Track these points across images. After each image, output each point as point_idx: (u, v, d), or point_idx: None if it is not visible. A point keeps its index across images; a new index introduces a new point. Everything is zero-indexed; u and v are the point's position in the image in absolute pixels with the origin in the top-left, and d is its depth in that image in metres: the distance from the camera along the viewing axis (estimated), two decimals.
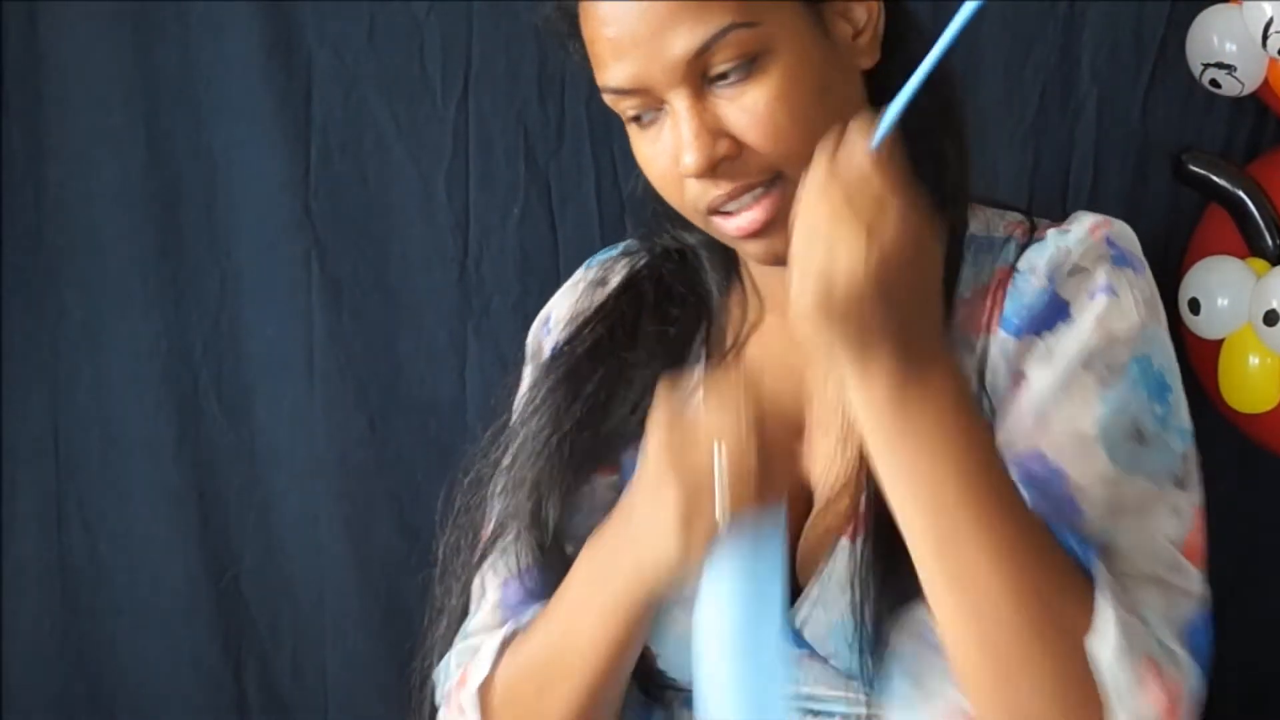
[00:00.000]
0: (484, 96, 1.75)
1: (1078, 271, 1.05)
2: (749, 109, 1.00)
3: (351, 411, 1.80)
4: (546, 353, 1.21)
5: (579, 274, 1.25)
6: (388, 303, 1.79)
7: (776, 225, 1.02)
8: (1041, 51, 1.71)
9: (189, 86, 1.76)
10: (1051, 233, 1.08)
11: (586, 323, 1.20)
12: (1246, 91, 1.61)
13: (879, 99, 1.04)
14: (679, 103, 1.01)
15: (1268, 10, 1.53)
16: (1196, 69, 1.62)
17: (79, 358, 1.82)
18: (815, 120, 1.02)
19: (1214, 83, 1.61)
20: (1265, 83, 1.60)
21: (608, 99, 1.04)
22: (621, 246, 1.25)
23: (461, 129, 1.76)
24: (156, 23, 1.75)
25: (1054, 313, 1.04)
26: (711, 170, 1.01)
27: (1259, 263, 1.60)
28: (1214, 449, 1.71)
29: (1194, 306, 1.61)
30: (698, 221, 1.07)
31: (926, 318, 0.92)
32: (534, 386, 1.19)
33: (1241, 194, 1.61)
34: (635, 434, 1.10)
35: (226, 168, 1.77)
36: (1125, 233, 1.10)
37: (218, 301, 1.79)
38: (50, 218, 1.79)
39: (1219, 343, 1.63)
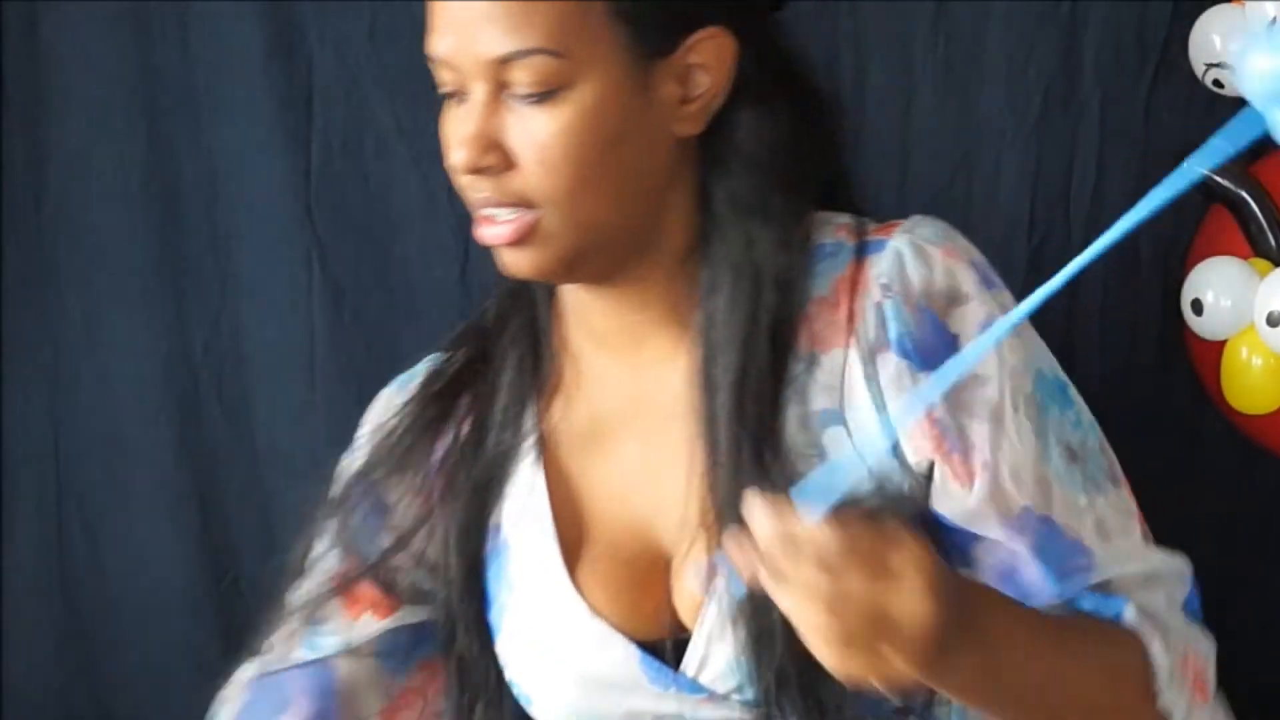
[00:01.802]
0: None
1: (957, 300, 1.05)
2: (529, 135, 1.00)
3: (353, 412, 1.77)
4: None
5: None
6: (389, 303, 1.79)
7: (522, 247, 1.03)
8: (1044, 52, 1.70)
9: (189, 86, 1.76)
10: (896, 244, 1.07)
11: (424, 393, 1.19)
12: None
13: (706, 167, 1.05)
14: (475, 95, 1.01)
15: (1270, 10, 1.53)
16: (1199, 69, 1.62)
17: (79, 358, 1.82)
18: (595, 168, 1.01)
19: (1217, 83, 1.61)
20: None
21: (430, 64, 1.05)
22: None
23: None
24: (156, 23, 1.75)
25: (944, 347, 1.04)
26: (469, 173, 1.02)
27: (1262, 263, 1.59)
28: (1216, 450, 1.74)
29: (1196, 307, 1.61)
30: (470, 210, 1.07)
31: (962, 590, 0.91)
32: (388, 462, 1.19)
33: (1244, 195, 1.61)
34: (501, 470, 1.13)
35: (227, 168, 1.77)
36: (969, 246, 1.10)
37: (218, 302, 1.79)
38: (50, 218, 1.79)
39: (1221, 344, 1.63)
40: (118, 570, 1.84)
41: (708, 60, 1.03)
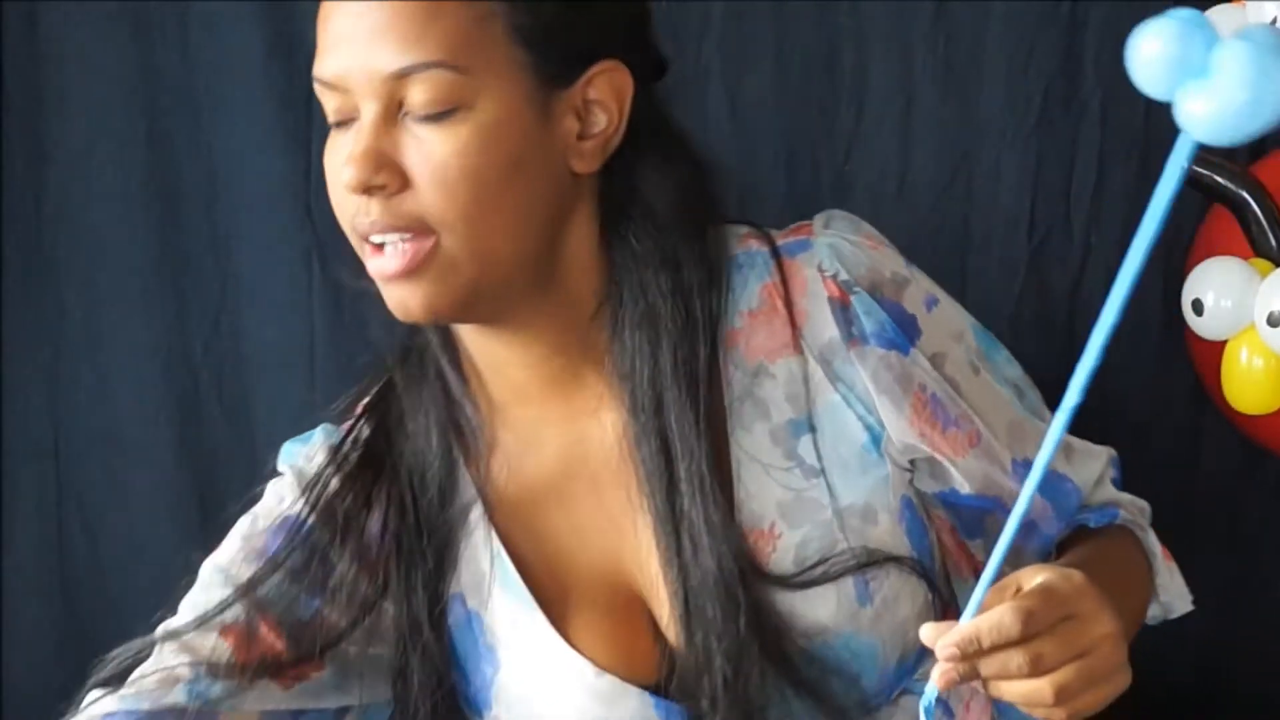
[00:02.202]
0: None
1: (902, 284, 1.07)
2: (425, 154, 0.97)
3: None
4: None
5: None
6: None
7: (416, 279, 0.98)
8: (1044, 51, 1.70)
9: (189, 86, 1.76)
10: (825, 240, 1.06)
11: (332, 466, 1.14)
12: None
13: (604, 210, 1.03)
14: (366, 115, 0.97)
15: (1272, 10, 1.53)
16: None
17: (79, 358, 1.82)
18: (492, 190, 0.98)
19: None
20: None
21: (317, 90, 1.01)
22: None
23: None
24: (156, 23, 1.75)
25: (912, 327, 1.06)
26: (365, 192, 0.97)
27: (1262, 264, 1.59)
28: (1217, 450, 1.74)
29: (1197, 308, 1.61)
30: (356, 247, 1.02)
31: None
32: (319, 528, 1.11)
33: (1245, 195, 1.60)
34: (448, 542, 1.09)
35: (227, 168, 1.77)
36: (874, 230, 1.11)
37: (218, 302, 1.79)
38: (50, 218, 1.79)
39: (1222, 344, 1.62)
40: (118, 570, 1.84)
41: (605, 97, 1.01)
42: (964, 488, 1.08)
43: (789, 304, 1.05)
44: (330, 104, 1.00)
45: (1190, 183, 1.63)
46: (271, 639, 1.07)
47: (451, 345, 1.11)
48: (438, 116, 0.96)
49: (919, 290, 1.07)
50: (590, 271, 1.05)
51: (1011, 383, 1.12)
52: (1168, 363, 1.74)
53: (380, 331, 1.13)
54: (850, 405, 1.04)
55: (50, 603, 1.85)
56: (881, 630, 1.03)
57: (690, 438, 1.02)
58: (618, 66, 1.01)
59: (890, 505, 1.05)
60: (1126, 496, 1.20)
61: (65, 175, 1.78)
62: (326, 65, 0.99)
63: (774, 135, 1.73)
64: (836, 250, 1.06)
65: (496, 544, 1.09)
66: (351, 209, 0.99)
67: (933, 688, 0.90)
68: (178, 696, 1.04)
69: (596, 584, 1.08)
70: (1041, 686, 0.89)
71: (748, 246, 1.08)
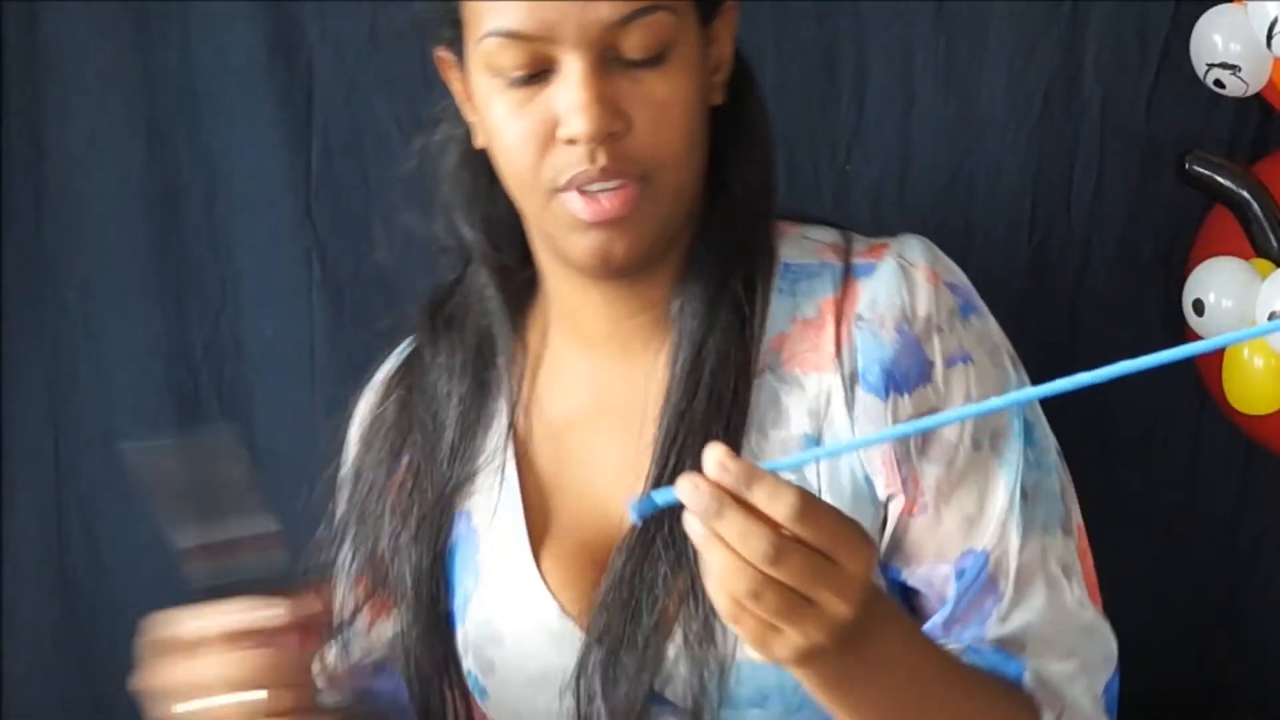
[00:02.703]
0: None
1: (933, 330, 1.04)
2: (646, 96, 0.98)
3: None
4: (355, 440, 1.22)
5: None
6: (389, 304, 1.78)
7: (625, 224, 1.01)
8: (1045, 51, 1.70)
9: (189, 86, 1.75)
10: (883, 266, 1.06)
11: (386, 393, 1.21)
12: (1251, 92, 1.61)
13: (719, 150, 1.06)
14: (577, 65, 0.98)
15: (1272, 10, 1.52)
16: (1201, 69, 1.61)
17: (79, 358, 1.81)
18: (695, 128, 1.02)
19: (1218, 83, 1.61)
20: (1270, 83, 1.59)
21: (490, 47, 1.00)
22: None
23: None
24: (156, 23, 1.74)
25: (919, 372, 1.03)
26: (600, 140, 0.98)
27: (1264, 264, 1.59)
28: (1218, 451, 1.73)
29: (1198, 308, 1.61)
30: (538, 200, 1.03)
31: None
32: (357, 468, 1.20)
33: (1246, 195, 1.60)
34: (462, 481, 1.13)
35: (227, 168, 1.77)
36: (954, 269, 1.09)
37: (218, 302, 1.79)
38: (50, 218, 1.79)
39: None
40: (118, 571, 1.84)
41: (723, 32, 1.05)
42: (882, 545, 1.03)
43: (838, 323, 1.05)
44: (516, 58, 0.99)
45: (1191, 183, 1.64)
46: (364, 582, 1.17)
47: (517, 304, 1.14)
48: (656, 59, 0.98)
49: (953, 341, 1.05)
50: (695, 210, 1.08)
51: (1017, 482, 1.04)
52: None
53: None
54: (852, 435, 1.04)
55: (50, 603, 1.85)
56: None
57: (715, 404, 1.03)
58: (735, 2, 1.06)
59: (876, 547, 1.04)
60: (1080, 696, 1.03)
61: (65, 175, 1.78)
62: (523, 17, 0.98)
63: (774, 135, 1.73)
64: (886, 278, 1.05)
65: (510, 471, 1.12)
66: (562, 161, 1.00)
67: (669, 493, 0.82)
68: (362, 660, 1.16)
69: (590, 527, 1.10)
70: (734, 571, 0.80)
71: (823, 257, 1.09)
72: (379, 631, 1.18)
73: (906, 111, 1.73)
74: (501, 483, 1.13)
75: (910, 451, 1.03)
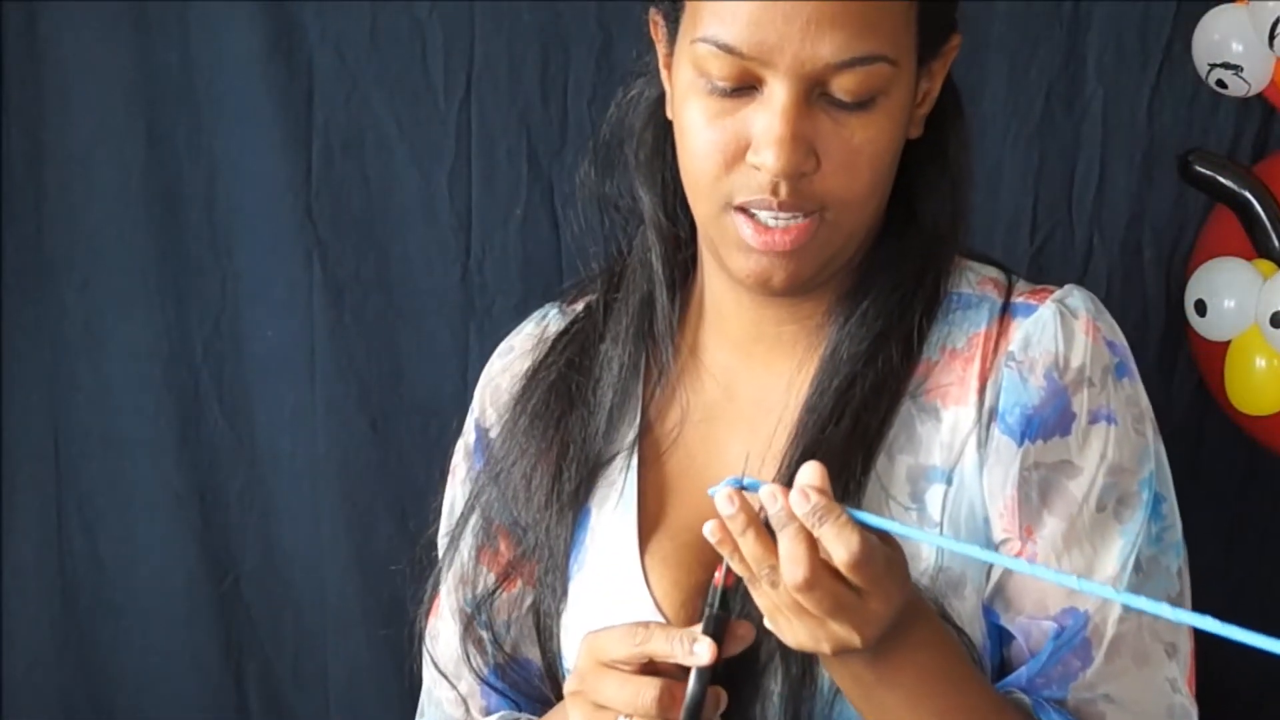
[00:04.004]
0: (486, 97, 1.74)
1: (1083, 383, 1.02)
2: (843, 139, 0.97)
3: (353, 413, 1.79)
4: (506, 397, 1.19)
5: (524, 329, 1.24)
6: (390, 304, 1.78)
7: (791, 256, 0.99)
8: (1047, 52, 1.70)
9: (189, 86, 1.75)
10: (1044, 310, 1.04)
11: (546, 357, 1.18)
12: (1253, 92, 1.60)
13: (912, 181, 1.05)
14: (784, 95, 0.96)
15: (1274, 10, 1.52)
16: (1203, 69, 1.61)
17: (79, 358, 1.81)
18: (885, 174, 1.00)
19: (1220, 83, 1.60)
20: (1272, 83, 1.59)
21: (702, 51, 0.97)
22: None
23: (464, 129, 1.75)
24: (157, 23, 1.74)
25: (1058, 422, 1.02)
26: (789, 177, 0.96)
27: (1266, 264, 1.59)
28: (1220, 451, 1.73)
29: (1200, 308, 1.60)
30: (709, 209, 1.02)
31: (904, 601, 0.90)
32: (507, 430, 1.17)
33: (1248, 195, 1.60)
34: (604, 459, 1.11)
35: (227, 168, 1.76)
36: (1114, 327, 1.07)
37: (219, 302, 1.79)
38: (50, 218, 1.79)
39: (1225, 344, 1.62)
40: (118, 570, 1.84)
41: (938, 67, 1.03)
42: (984, 592, 1.03)
43: (987, 359, 1.04)
44: (725, 70, 0.97)
45: (1193, 183, 1.63)
46: (505, 546, 1.15)
47: (675, 281, 1.12)
48: (864, 105, 0.97)
49: (1099, 398, 1.03)
50: (870, 239, 1.06)
51: (1134, 553, 1.03)
52: (1170, 363, 1.74)
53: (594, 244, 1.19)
54: (980, 473, 1.02)
55: (50, 603, 1.85)
56: None
57: (859, 431, 1.02)
58: (959, 38, 1.04)
59: (980, 587, 1.02)
60: None
61: (65, 175, 1.78)
62: (744, 35, 0.96)
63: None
64: (1042, 322, 1.04)
65: (634, 460, 1.11)
66: (744, 183, 0.98)
67: (758, 484, 0.86)
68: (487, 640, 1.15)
69: (695, 522, 1.07)
70: (769, 573, 0.85)
71: (984, 290, 1.07)
72: (511, 602, 1.16)
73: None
74: (626, 467, 1.11)
75: (1032, 498, 1.02)
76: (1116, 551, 1.02)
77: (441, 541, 1.22)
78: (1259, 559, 1.76)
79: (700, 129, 0.99)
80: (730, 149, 0.98)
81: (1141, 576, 1.03)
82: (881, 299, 1.05)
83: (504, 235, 1.76)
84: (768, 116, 0.96)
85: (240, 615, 1.83)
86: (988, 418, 1.02)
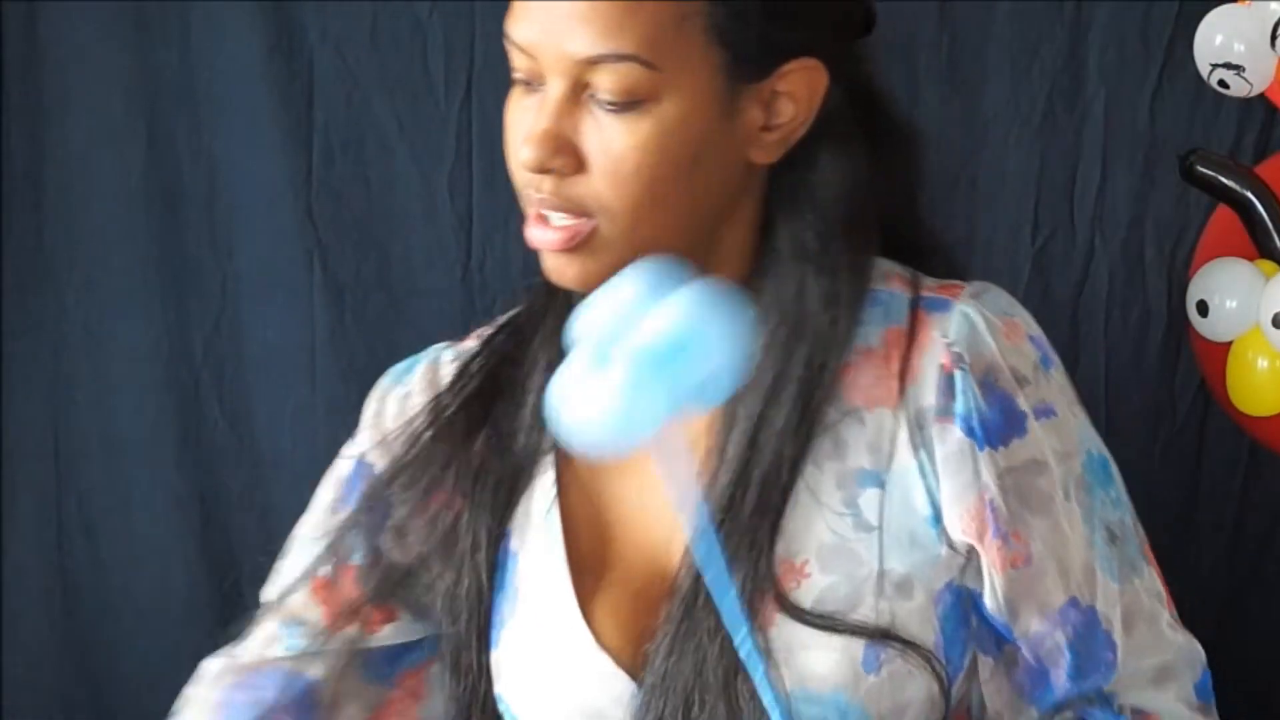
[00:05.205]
0: (487, 97, 1.74)
1: (1021, 383, 1.02)
2: (604, 142, 0.96)
3: (353, 414, 1.77)
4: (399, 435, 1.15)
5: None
6: (390, 304, 1.78)
7: (572, 254, 0.99)
8: (1048, 52, 1.70)
9: (189, 87, 1.75)
10: (968, 313, 1.03)
11: (456, 382, 1.14)
12: (1255, 92, 1.60)
13: (773, 202, 1.02)
14: (552, 92, 0.97)
15: (1276, 10, 1.52)
16: (1204, 69, 1.61)
17: (79, 358, 1.81)
18: (664, 186, 0.97)
19: (1222, 83, 1.60)
20: (1274, 83, 1.59)
21: (506, 45, 1.00)
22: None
23: (464, 130, 1.75)
24: (157, 23, 1.75)
25: (1011, 424, 1.01)
26: (538, 172, 0.97)
27: (1268, 264, 1.59)
28: (1222, 452, 1.73)
29: (1202, 309, 1.60)
30: (524, 205, 1.02)
31: None
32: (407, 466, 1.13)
33: (1250, 195, 1.60)
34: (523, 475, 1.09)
35: (228, 168, 1.77)
36: (1029, 318, 1.06)
37: (219, 303, 1.79)
38: (50, 218, 1.79)
39: (1227, 345, 1.62)
40: (118, 570, 1.84)
41: (796, 90, 1.00)
42: (987, 600, 1.02)
43: (906, 358, 1.02)
44: (519, 62, 0.99)
45: (1195, 183, 1.63)
46: (352, 586, 1.11)
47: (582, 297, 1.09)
48: (622, 106, 0.96)
49: (1037, 394, 1.03)
50: (743, 259, 1.04)
51: (1105, 524, 1.04)
52: (1172, 364, 1.74)
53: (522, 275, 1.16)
54: (924, 476, 1.01)
55: (50, 603, 1.85)
56: (881, 705, 0.99)
57: (779, 449, 1.00)
58: (814, 65, 1.00)
59: (931, 587, 1.01)
60: (1182, 712, 1.05)
61: (65, 175, 1.78)
62: (521, 30, 0.98)
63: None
64: (969, 323, 1.02)
65: (553, 493, 1.09)
66: (522, 177, 1.00)
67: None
68: (274, 650, 1.13)
69: (637, 563, 1.06)
70: None
71: (890, 286, 1.05)
72: (349, 636, 1.12)
73: (909, 112, 1.72)
74: (543, 504, 1.09)
75: (1013, 504, 1.01)
76: (1092, 531, 1.03)
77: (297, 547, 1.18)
78: (1261, 559, 1.76)
79: (509, 123, 1.01)
80: (516, 143, 1.00)
81: (1117, 544, 1.04)
82: (793, 297, 1.03)
83: (504, 236, 1.76)
84: (536, 111, 0.98)
85: (241, 616, 1.82)
86: (919, 418, 1.01)
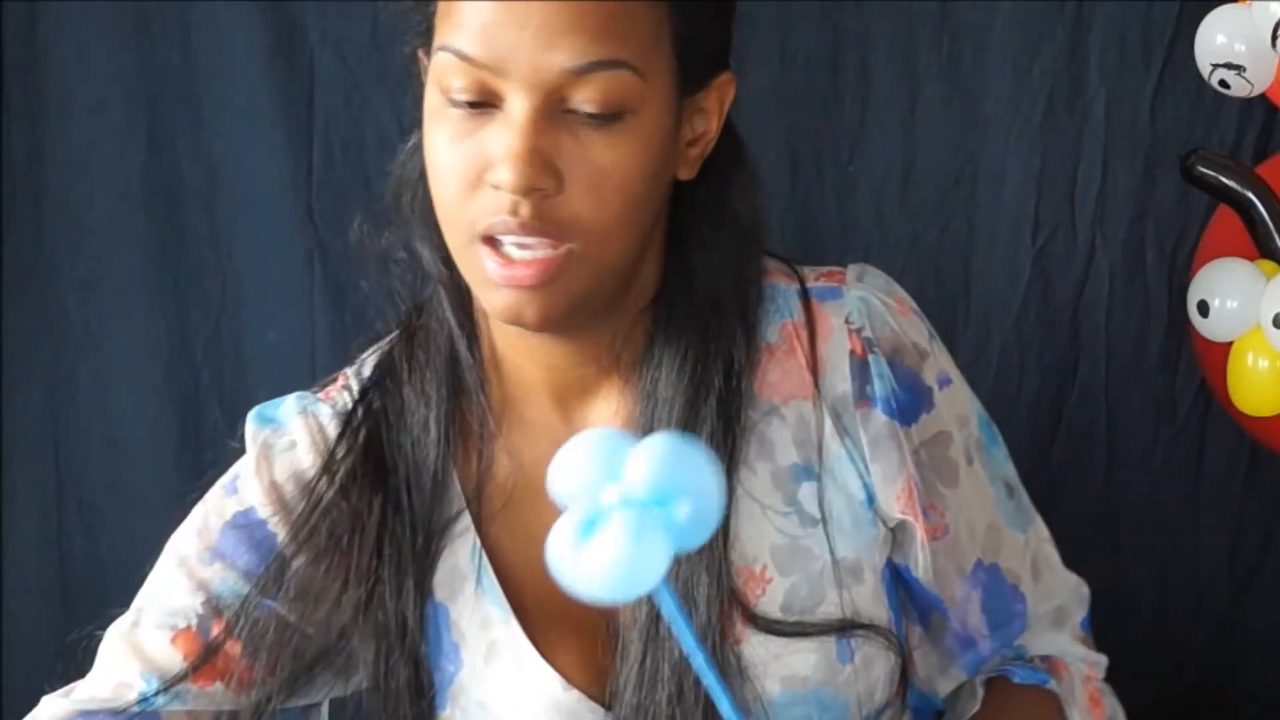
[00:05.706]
0: None
1: (922, 357, 1.04)
2: (587, 159, 0.91)
3: None
4: (294, 496, 1.10)
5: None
6: (392, 304, 1.78)
7: (541, 289, 0.93)
8: (1049, 51, 1.70)
9: (190, 86, 1.75)
10: (857, 296, 1.03)
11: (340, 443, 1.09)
12: (1255, 92, 1.60)
13: (687, 217, 1.01)
14: (521, 109, 0.90)
15: (1277, 11, 1.52)
16: (1205, 69, 1.61)
17: (79, 358, 1.82)
18: (636, 203, 0.94)
19: (1223, 83, 1.60)
20: (1275, 83, 1.59)
21: (443, 62, 0.93)
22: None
23: None
24: (157, 23, 1.75)
25: (919, 399, 1.03)
26: (525, 193, 0.90)
27: (1269, 265, 1.59)
28: (1222, 452, 1.73)
29: (1203, 309, 1.60)
30: (458, 241, 0.95)
31: None
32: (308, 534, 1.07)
33: (1250, 195, 1.59)
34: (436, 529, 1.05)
35: (228, 169, 1.77)
36: (908, 298, 1.07)
37: (219, 303, 1.79)
38: (50, 218, 1.79)
39: (1228, 345, 1.62)
40: (118, 572, 1.83)
41: (712, 105, 0.99)
42: (916, 570, 1.05)
43: (811, 348, 1.02)
44: (464, 81, 0.92)
45: (1195, 183, 1.63)
46: (225, 643, 1.06)
47: (473, 333, 1.05)
48: (606, 119, 0.91)
49: (936, 365, 1.05)
50: (655, 278, 1.03)
51: (1004, 480, 1.08)
52: (1173, 364, 1.74)
53: (384, 303, 1.10)
54: (853, 461, 1.02)
55: (50, 603, 1.85)
56: (857, 688, 1.02)
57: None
58: (730, 78, 1.00)
59: (876, 566, 1.03)
60: (1079, 651, 1.12)
61: (65, 175, 1.78)
62: (479, 45, 0.91)
63: (777, 135, 1.73)
64: (868, 306, 1.03)
65: (478, 542, 1.05)
66: (485, 206, 0.92)
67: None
68: (131, 697, 1.06)
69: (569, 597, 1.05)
70: None
71: (774, 281, 1.05)
72: (199, 697, 1.06)
73: (910, 112, 1.73)
74: (471, 554, 1.05)
75: (929, 478, 1.03)
76: (994, 491, 1.07)
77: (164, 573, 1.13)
78: (1262, 559, 1.76)
79: (443, 149, 0.94)
80: (471, 171, 0.93)
81: (1015, 496, 1.09)
82: (701, 311, 1.02)
83: None
84: (505, 132, 0.91)
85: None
86: (836, 405, 1.02)
